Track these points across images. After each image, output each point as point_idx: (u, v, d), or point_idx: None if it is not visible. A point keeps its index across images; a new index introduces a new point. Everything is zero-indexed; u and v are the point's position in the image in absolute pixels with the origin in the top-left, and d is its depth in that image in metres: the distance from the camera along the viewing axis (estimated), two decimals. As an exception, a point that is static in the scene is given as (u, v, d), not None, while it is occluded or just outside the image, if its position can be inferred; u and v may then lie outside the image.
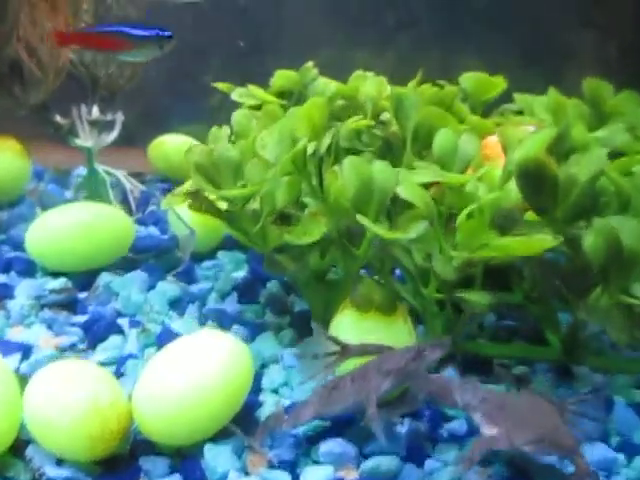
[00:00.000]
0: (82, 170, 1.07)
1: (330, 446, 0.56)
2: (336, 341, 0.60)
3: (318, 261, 0.68)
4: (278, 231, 0.67)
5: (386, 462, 0.55)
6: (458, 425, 0.63)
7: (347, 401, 0.55)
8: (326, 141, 0.67)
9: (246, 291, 0.83)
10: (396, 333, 0.62)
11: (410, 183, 0.63)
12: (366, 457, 0.56)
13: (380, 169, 0.64)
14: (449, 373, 0.71)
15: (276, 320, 0.78)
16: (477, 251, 0.61)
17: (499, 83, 1.08)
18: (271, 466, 0.55)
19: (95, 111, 0.91)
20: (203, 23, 1.34)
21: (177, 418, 0.54)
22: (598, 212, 0.69)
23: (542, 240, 0.58)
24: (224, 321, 0.76)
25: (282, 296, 0.84)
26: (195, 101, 1.28)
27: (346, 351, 0.60)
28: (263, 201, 0.66)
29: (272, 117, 0.83)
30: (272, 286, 0.85)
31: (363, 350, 0.60)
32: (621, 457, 0.61)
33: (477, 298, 0.64)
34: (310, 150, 0.68)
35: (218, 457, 0.55)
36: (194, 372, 0.55)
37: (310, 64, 1.12)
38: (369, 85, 0.99)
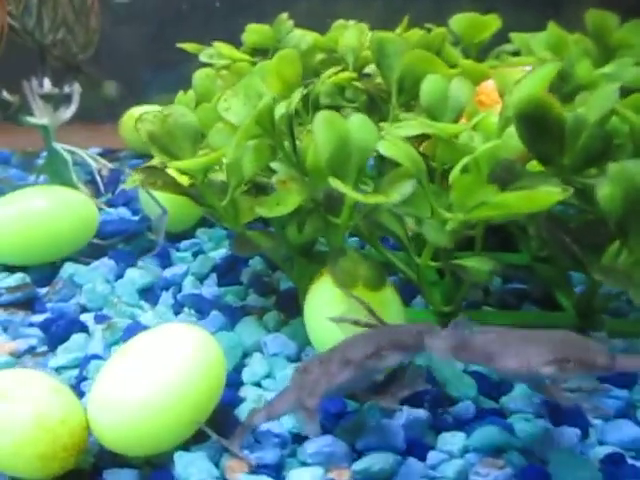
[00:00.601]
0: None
1: (318, 444, 0.49)
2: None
3: (296, 235, 0.60)
4: (250, 204, 0.59)
5: (380, 459, 0.48)
6: (464, 408, 0.56)
7: (319, 387, 0.48)
8: (296, 96, 0.58)
9: (226, 271, 0.76)
10: (385, 311, 0.54)
11: (392, 138, 0.54)
12: (360, 454, 0.50)
13: (358, 125, 0.55)
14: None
15: (260, 301, 0.71)
16: (473, 211, 0.53)
17: (492, 22, 0.98)
18: (252, 471, 0.49)
19: (47, 84, 0.82)
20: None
21: (139, 426, 0.47)
22: (611, 157, 0.60)
23: (549, 193, 0.50)
24: (202, 307, 0.69)
25: (267, 273, 0.76)
26: (178, 68, 1.19)
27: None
28: (229, 171, 0.58)
29: (240, 76, 0.74)
30: (255, 263, 0.78)
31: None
32: (648, 433, 0.55)
33: (478, 265, 0.56)
34: (281, 109, 0.60)
35: (190, 465, 0.49)
36: (155, 373, 0.49)
37: (284, 16, 1.02)
38: (349, 35, 0.89)
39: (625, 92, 0.79)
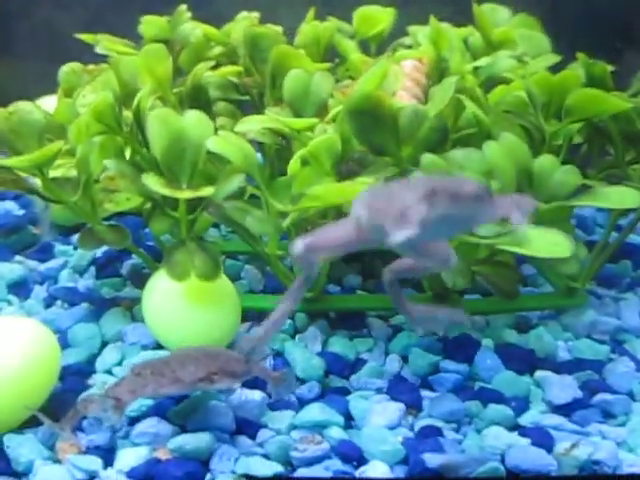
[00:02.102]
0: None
1: (145, 426, 0.53)
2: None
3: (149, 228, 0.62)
4: (103, 199, 0.61)
5: (195, 439, 0.51)
6: (308, 389, 0.60)
7: (143, 390, 0.51)
8: (142, 94, 0.60)
9: (107, 264, 0.77)
10: (221, 300, 0.57)
11: (225, 134, 0.57)
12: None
13: (192, 122, 0.57)
14: (315, 330, 0.68)
15: (134, 293, 0.73)
16: (297, 203, 0.56)
17: (386, 16, 1.01)
18: (83, 452, 0.52)
19: None
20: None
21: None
22: (447, 147, 0.64)
23: (358, 185, 0.53)
24: (74, 300, 0.71)
25: (151, 265, 0.78)
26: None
27: None
28: (79, 167, 0.60)
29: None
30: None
31: None
32: (473, 405, 0.59)
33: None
34: (137, 101, 0.61)
35: (20, 446, 0.51)
36: None
37: (183, 7, 1.02)
38: (240, 27, 0.91)
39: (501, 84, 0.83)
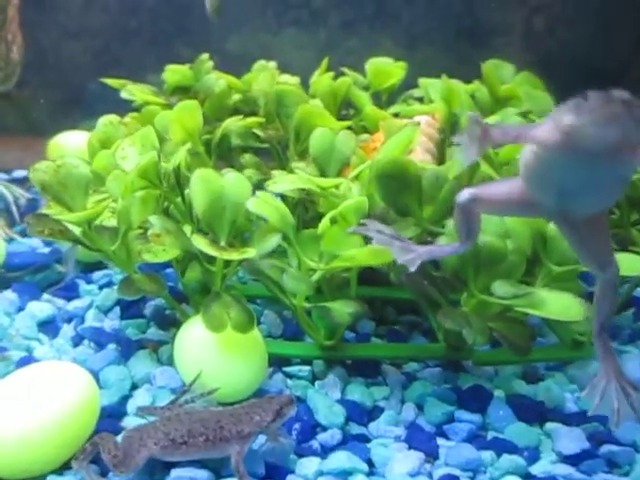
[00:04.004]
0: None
1: (181, 470, 0.55)
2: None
3: (183, 278, 0.65)
4: (139, 248, 0.64)
5: (233, 486, 0.54)
6: (330, 436, 0.63)
7: (193, 456, 0.56)
8: (182, 153, 0.64)
9: (131, 304, 0.80)
10: (251, 349, 0.60)
11: (263, 195, 0.61)
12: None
13: (232, 182, 0.61)
14: (334, 377, 0.71)
15: (159, 335, 0.76)
16: (332, 262, 0.59)
17: (398, 70, 1.06)
18: (121, 495, 0.54)
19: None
20: (130, 5, 1.26)
21: (13, 454, 0.53)
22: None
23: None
24: (101, 340, 0.74)
25: (171, 306, 0.81)
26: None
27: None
28: (120, 218, 0.64)
29: (146, 122, 0.79)
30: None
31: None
32: (487, 455, 0.62)
33: (340, 307, 0.63)
34: (174, 162, 0.65)
35: (63, 488, 0.54)
36: (28, 407, 0.54)
37: (205, 56, 1.07)
38: (261, 78, 0.96)
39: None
